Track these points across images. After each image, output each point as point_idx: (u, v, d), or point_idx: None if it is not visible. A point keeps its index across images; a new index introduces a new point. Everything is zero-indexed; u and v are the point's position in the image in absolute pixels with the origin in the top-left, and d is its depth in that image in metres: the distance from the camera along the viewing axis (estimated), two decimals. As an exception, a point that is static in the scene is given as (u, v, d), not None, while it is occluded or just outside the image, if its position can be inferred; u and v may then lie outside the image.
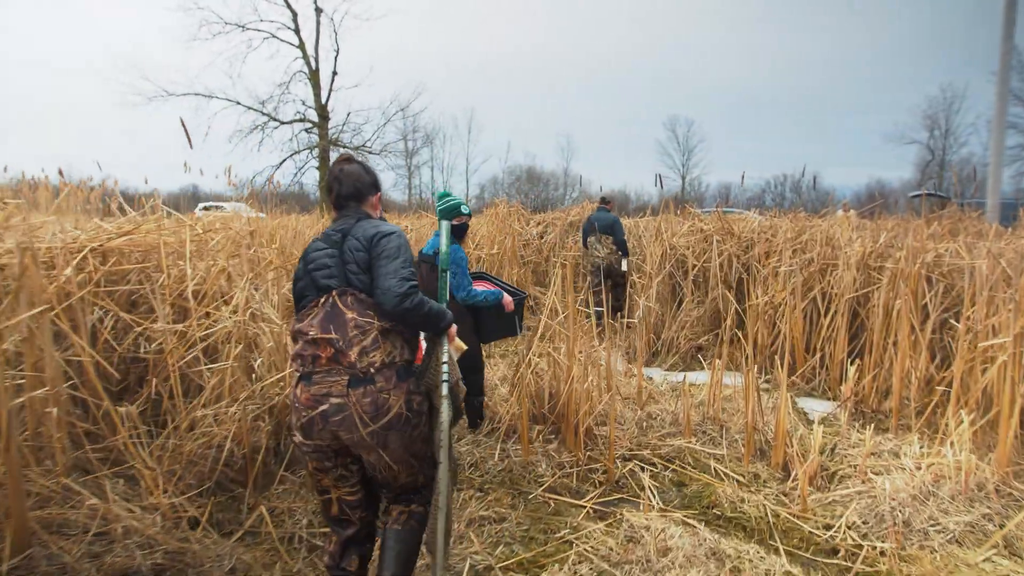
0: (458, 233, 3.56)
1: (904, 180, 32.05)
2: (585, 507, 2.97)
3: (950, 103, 30.45)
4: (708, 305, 6.13)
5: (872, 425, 3.55)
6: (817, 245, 5.54)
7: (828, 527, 2.77)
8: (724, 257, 6.15)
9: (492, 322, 3.56)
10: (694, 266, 6.30)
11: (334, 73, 21.45)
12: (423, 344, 1.99)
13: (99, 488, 2.55)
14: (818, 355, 4.98)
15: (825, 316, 5.00)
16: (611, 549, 2.54)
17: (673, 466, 3.43)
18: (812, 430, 3.36)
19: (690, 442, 3.64)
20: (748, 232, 6.33)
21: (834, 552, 2.62)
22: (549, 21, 56.19)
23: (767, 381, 5.06)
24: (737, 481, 3.23)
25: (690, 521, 2.79)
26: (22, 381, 2.47)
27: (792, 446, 3.30)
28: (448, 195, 3.58)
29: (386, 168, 22.74)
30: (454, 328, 1.96)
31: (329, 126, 21.55)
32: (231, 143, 21.10)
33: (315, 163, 21.34)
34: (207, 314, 3.18)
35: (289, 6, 21.06)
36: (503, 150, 61.50)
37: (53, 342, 2.59)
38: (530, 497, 3.05)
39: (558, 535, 2.70)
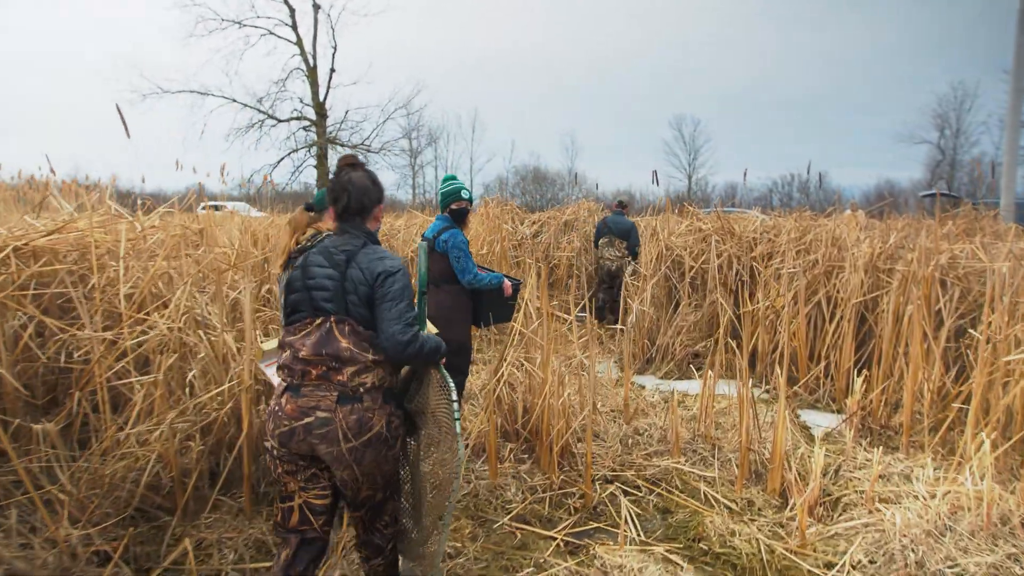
0: (459, 218, 3.52)
1: (914, 180, 31.34)
2: (556, 539, 2.64)
3: (961, 101, 29.68)
4: (706, 309, 5.79)
5: (881, 444, 3.21)
6: (822, 246, 5.20)
7: (830, 566, 2.44)
8: (724, 258, 5.81)
9: (492, 306, 3.50)
10: (691, 267, 5.95)
11: (332, 70, 21.10)
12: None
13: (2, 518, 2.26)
14: (822, 364, 4.64)
15: (830, 322, 4.67)
16: (579, 593, 2.22)
17: (658, 489, 3.10)
18: (814, 451, 3.02)
19: (679, 462, 3.31)
20: (749, 232, 5.99)
21: (836, 598, 2.29)
22: (549, 17, 55.41)
23: (767, 391, 4.72)
24: (729, 509, 2.90)
25: (672, 557, 2.47)
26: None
27: (791, 469, 2.97)
28: (453, 178, 3.61)
29: (386, 167, 22.35)
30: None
31: (327, 124, 21.23)
32: (228, 141, 20.87)
33: (313, 161, 21.07)
34: (142, 320, 2.89)
35: (286, 2, 20.73)
36: (507, 149, 61.09)
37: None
38: (495, 527, 2.73)
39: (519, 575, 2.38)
